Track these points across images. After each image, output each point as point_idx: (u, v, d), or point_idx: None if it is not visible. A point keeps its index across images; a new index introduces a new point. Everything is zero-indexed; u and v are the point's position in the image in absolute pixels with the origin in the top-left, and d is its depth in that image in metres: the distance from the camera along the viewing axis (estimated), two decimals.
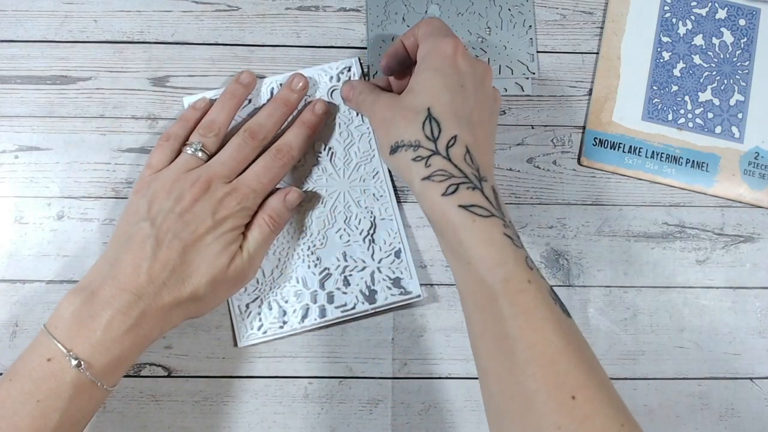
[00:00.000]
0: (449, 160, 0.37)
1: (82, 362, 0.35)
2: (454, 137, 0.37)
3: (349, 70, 0.47)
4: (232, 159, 0.42)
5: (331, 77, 0.47)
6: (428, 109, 0.38)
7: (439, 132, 0.37)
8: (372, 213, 0.46)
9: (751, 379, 0.46)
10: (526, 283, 0.34)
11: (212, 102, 0.45)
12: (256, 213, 0.42)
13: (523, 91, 0.49)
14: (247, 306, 0.44)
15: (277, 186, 0.44)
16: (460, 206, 0.36)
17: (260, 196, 0.42)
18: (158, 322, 0.38)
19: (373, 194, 0.46)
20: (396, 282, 0.45)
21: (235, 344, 0.45)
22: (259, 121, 0.44)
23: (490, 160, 0.39)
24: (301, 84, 0.45)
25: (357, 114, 0.47)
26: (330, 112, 0.46)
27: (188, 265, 0.39)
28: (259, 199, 0.42)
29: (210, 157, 0.42)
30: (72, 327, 0.36)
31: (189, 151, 0.42)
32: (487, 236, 0.35)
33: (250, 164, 0.43)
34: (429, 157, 0.37)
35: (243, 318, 0.44)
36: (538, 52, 0.49)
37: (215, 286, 0.40)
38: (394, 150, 0.38)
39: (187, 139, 0.43)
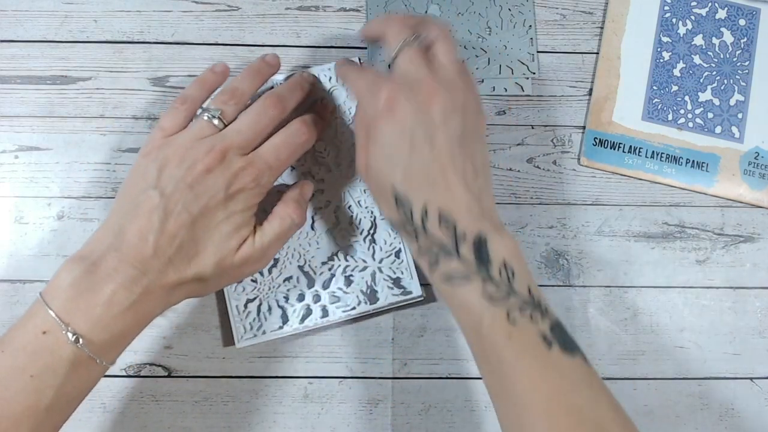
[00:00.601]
0: (426, 234, 0.36)
1: (81, 338, 0.33)
2: (425, 209, 0.36)
3: None
4: (249, 129, 0.38)
5: (331, 78, 0.47)
6: (392, 186, 0.36)
7: (411, 208, 0.36)
8: (372, 213, 0.46)
9: (751, 379, 0.46)
10: (505, 341, 0.34)
11: (228, 69, 0.42)
12: (268, 201, 0.40)
13: (523, 91, 0.49)
14: (246, 305, 0.44)
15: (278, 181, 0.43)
16: (442, 279, 0.36)
17: (276, 174, 0.39)
18: (161, 300, 0.36)
19: None
20: (397, 282, 0.45)
21: (233, 344, 0.44)
22: (280, 92, 0.41)
23: (476, 194, 0.37)
24: (309, 79, 0.44)
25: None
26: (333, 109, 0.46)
27: (196, 243, 0.37)
28: (274, 178, 0.39)
29: (227, 125, 0.39)
30: (70, 299, 0.34)
31: (206, 117, 0.38)
32: (464, 303, 0.35)
33: (267, 138, 0.40)
34: (415, 234, 0.36)
35: (241, 318, 0.44)
36: (538, 52, 0.49)
37: (221, 270, 0.38)
38: (392, 227, 0.38)
39: (203, 103, 0.40)
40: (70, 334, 0.33)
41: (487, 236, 0.35)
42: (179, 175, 0.37)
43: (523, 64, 0.49)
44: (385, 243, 0.45)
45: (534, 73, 0.49)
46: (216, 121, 0.38)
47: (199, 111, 0.40)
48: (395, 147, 0.36)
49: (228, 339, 0.45)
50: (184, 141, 0.38)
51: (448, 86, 0.37)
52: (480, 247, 0.35)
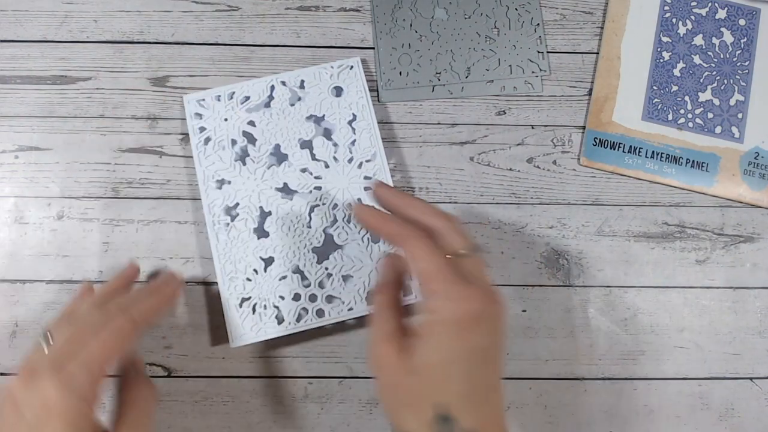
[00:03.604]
0: None
1: None
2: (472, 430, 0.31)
3: (351, 69, 0.47)
4: (65, 341, 0.35)
5: (332, 75, 0.47)
6: (442, 402, 0.31)
7: (455, 427, 0.31)
8: None
9: (751, 379, 0.46)
10: None
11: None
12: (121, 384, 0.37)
13: (534, 89, 0.49)
14: (240, 305, 0.44)
15: None
16: None
17: (94, 371, 0.34)
18: None
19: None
20: None
21: (227, 344, 0.44)
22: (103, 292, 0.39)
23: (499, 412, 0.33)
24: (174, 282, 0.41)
25: (358, 111, 0.47)
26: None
27: None
28: (94, 377, 0.34)
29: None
30: None
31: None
32: None
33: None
34: None
35: (236, 317, 0.44)
36: (548, 51, 0.49)
37: None
38: None
39: None
40: None
41: None
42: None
43: (533, 62, 0.49)
44: (383, 242, 0.45)
45: (544, 71, 0.49)
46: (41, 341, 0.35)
47: None
48: (462, 361, 0.32)
49: (222, 339, 0.45)
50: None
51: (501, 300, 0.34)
52: None
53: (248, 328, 0.44)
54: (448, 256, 0.34)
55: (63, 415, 0.32)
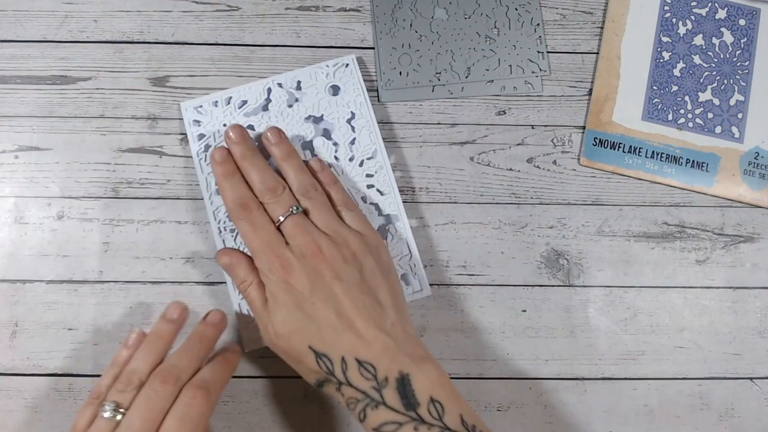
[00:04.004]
0: (350, 385, 0.36)
1: None
2: (343, 360, 0.37)
3: (347, 67, 0.47)
4: (142, 419, 0.36)
5: (328, 74, 0.47)
6: (309, 346, 0.38)
7: (331, 363, 0.37)
8: (378, 208, 0.46)
9: (751, 379, 0.46)
10: None
11: (143, 335, 0.40)
12: None
13: (534, 89, 0.49)
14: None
15: None
16: (374, 430, 0.36)
17: None
18: None
19: (378, 190, 0.46)
20: (404, 278, 0.45)
21: (243, 350, 0.44)
22: (172, 361, 0.38)
23: (389, 330, 0.38)
24: (218, 318, 0.41)
25: (356, 109, 0.47)
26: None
27: None
28: None
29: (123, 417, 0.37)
30: None
31: (105, 415, 0.36)
32: None
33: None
34: (339, 386, 0.37)
35: (249, 321, 0.44)
36: (548, 51, 0.49)
37: None
38: (319, 386, 0.38)
39: None
40: None
41: (409, 374, 0.36)
42: None
43: (533, 62, 0.49)
44: (392, 239, 0.45)
45: (544, 71, 0.49)
46: (119, 416, 0.36)
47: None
48: (301, 311, 0.38)
49: (229, 340, 0.45)
50: None
51: (333, 242, 0.40)
52: (404, 389, 0.36)
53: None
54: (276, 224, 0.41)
55: None
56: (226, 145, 0.44)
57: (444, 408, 0.35)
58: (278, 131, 0.44)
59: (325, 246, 0.39)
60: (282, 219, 0.41)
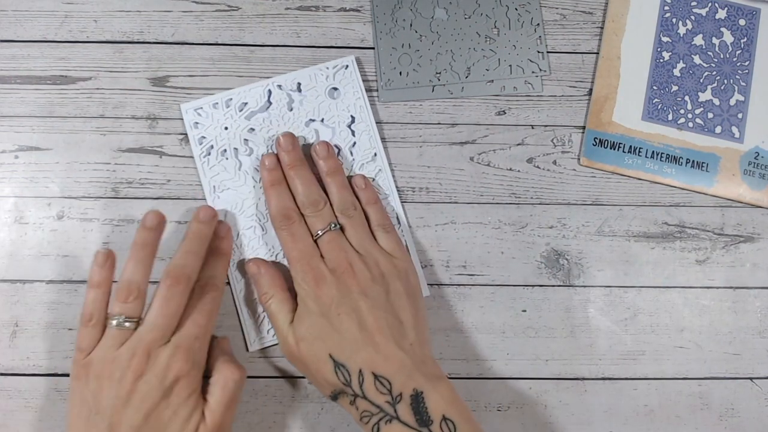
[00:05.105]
0: (365, 398, 0.38)
1: None
2: (361, 372, 0.38)
3: (347, 68, 0.47)
4: (162, 317, 0.39)
5: (327, 76, 0.47)
6: (329, 355, 0.39)
7: (348, 373, 0.39)
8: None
9: (751, 379, 0.46)
10: None
11: (112, 253, 0.41)
12: (208, 363, 0.41)
13: (534, 89, 0.49)
14: (257, 309, 0.45)
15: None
16: None
17: (205, 340, 0.40)
18: None
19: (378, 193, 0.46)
20: None
21: (247, 349, 0.45)
22: (178, 262, 0.40)
23: (408, 349, 0.39)
24: (210, 214, 0.42)
25: (356, 113, 0.47)
26: (217, 215, 0.44)
27: None
28: (205, 345, 0.40)
29: (138, 320, 0.39)
30: None
31: (115, 325, 0.38)
32: None
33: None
34: (354, 398, 0.38)
35: (254, 323, 0.44)
36: (548, 51, 0.49)
37: None
38: (333, 398, 0.40)
39: (107, 306, 0.40)
40: None
41: (423, 391, 0.38)
42: (113, 393, 0.37)
43: (533, 62, 0.49)
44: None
45: (544, 71, 0.49)
46: (127, 324, 0.39)
47: (110, 319, 0.39)
48: (327, 320, 0.40)
49: (230, 341, 0.45)
50: (104, 355, 0.38)
51: (364, 261, 0.42)
52: (418, 405, 0.37)
53: (265, 331, 0.44)
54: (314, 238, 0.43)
55: (189, 383, 0.38)
56: (274, 151, 0.45)
57: (456, 426, 0.37)
58: (327, 145, 0.45)
59: (356, 264, 0.41)
60: (320, 233, 0.42)
